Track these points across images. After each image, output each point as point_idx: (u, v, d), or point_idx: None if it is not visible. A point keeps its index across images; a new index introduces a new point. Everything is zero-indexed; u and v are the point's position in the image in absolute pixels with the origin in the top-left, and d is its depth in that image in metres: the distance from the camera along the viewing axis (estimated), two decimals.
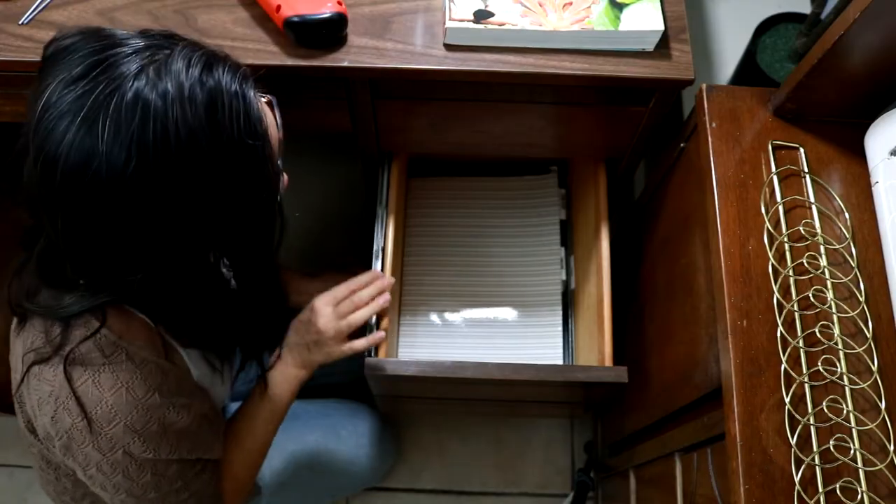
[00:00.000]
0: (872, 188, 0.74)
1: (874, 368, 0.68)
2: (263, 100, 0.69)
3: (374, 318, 0.94)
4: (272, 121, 0.69)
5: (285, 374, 0.91)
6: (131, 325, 0.71)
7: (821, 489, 0.64)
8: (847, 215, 0.76)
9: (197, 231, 0.63)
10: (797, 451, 0.65)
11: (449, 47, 0.84)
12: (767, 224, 0.75)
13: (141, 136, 0.56)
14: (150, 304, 0.71)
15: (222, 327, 0.77)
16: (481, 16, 0.82)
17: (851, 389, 0.67)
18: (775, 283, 0.72)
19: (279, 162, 0.70)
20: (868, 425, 0.66)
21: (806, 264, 0.73)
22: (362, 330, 0.92)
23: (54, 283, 0.67)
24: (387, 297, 0.93)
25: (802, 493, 0.64)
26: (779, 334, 0.70)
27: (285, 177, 0.73)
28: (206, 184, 0.60)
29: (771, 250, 0.73)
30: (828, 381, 0.68)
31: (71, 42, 0.60)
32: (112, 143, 0.55)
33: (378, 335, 0.92)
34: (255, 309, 0.78)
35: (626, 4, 0.83)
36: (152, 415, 0.70)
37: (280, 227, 0.72)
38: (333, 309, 0.90)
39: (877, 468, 0.64)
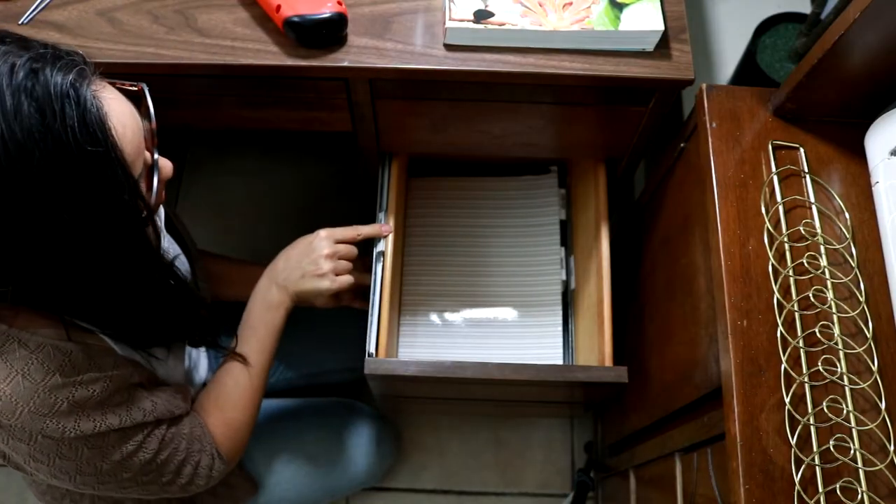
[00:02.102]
0: (872, 188, 0.74)
1: (874, 368, 0.68)
2: (134, 88, 0.66)
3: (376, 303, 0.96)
4: (129, 117, 0.64)
5: (268, 300, 0.92)
6: (23, 314, 0.68)
7: (821, 489, 0.64)
8: (847, 215, 0.76)
9: (55, 240, 0.60)
10: (797, 451, 0.65)
11: (449, 47, 0.84)
12: (767, 224, 0.75)
13: None
14: (37, 303, 0.68)
15: (123, 318, 0.73)
16: (481, 16, 0.82)
17: (851, 389, 0.67)
18: (775, 283, 0.72)
19: (155, 155, 0.67)
20: (868, 425, 0.66)
21: (806, 264, 0.73)
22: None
23: None
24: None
25: (802, 493, 0.64)
26: (779, 334, 0.70)
27: (167, 165, 0.70)
28: (50, 195, 0.57)
29: (771, 250, 0.73)
30: (828, 381, 0.68)
31: None
32: None
33: (347, 277, 0.95)
34: (152, 301, 0.74)
35: (626, 4, 0.83)
36: (57, 396, 0.67)
37: (153, 226, 0.68)
38: (336, 244, 0.94)
39: (877, 468, 0.64)
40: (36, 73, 0.56)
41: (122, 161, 0.61)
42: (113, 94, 0.63)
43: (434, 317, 1.19)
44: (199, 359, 1.05)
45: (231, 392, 0.89)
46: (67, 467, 0.71)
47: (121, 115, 0.62)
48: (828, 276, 0.72)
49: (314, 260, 0.92)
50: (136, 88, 0.67)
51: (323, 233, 0.95)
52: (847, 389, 0.67)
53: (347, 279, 0.94)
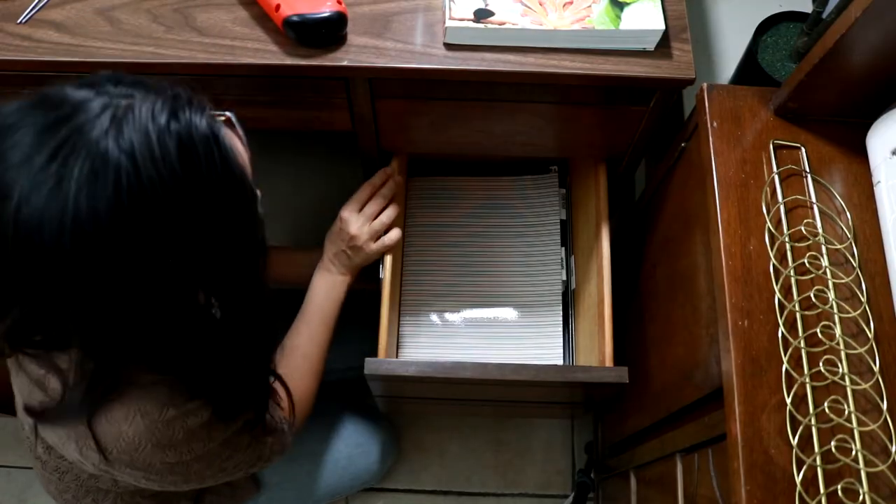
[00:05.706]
0: (874, 188, 0.74)
1: (876, 369, 0.68)
2: (222, 118, 0.64)
3: None
4: (245, 152, 0.64)
5: (332, 281, 1.00)
6: None
7: (822, 490, 0.64)
8: (848, 215, 0.75)
9: (187, 275, 0.58)
10: (798, 452, 0.65)
11: (449, 46, 0.83)
12: (769, 224, 0.74)
13: (116, 202, 0.52)
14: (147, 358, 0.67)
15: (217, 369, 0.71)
16: (481, 15, 0.82)
17: (853, 390, 0.67)
18: (776, 284, 0.72)
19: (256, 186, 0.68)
20: (870, 426, 0.66)
21: (807, 264, 0.73)
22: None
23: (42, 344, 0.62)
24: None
25: (804, 494, 0.64)
26: (780, 334, 0.69)
27: (258, 193, 0.70)
28: (192, 230, 0.56)
29: (772, 250, 0.73)
30: (829, 381, 0.68)
31: (14, 120, 0.53)
32: (86, 210, 0.51)
33: (396, 231, 1.01)
34: (246, 342, 0.72)
35: (627, 3, 0.83)
36: (173, 427, 0.69)
37: (263, 248, 0.67)
38: (361, 213, 0.99)
39: (878, 469, 0.64)
40: (177, 115, 0.55)
41: (255, 198, 0.63)
42: (227, 130, 0.62)
43: (434, 317, 1.19)
44: None
45: (300, 365, 0.95)
46: (177, 480, 0.74)
47: (242, 151, 0.63)
48: (829, 276, 0.72)
49: (350, 241, 0.98)
50: (224, 118, 0.66)
51: (344, 213, 0.99)
52: (849, 390, 0.67)
53: (393, 236, 1.00)
